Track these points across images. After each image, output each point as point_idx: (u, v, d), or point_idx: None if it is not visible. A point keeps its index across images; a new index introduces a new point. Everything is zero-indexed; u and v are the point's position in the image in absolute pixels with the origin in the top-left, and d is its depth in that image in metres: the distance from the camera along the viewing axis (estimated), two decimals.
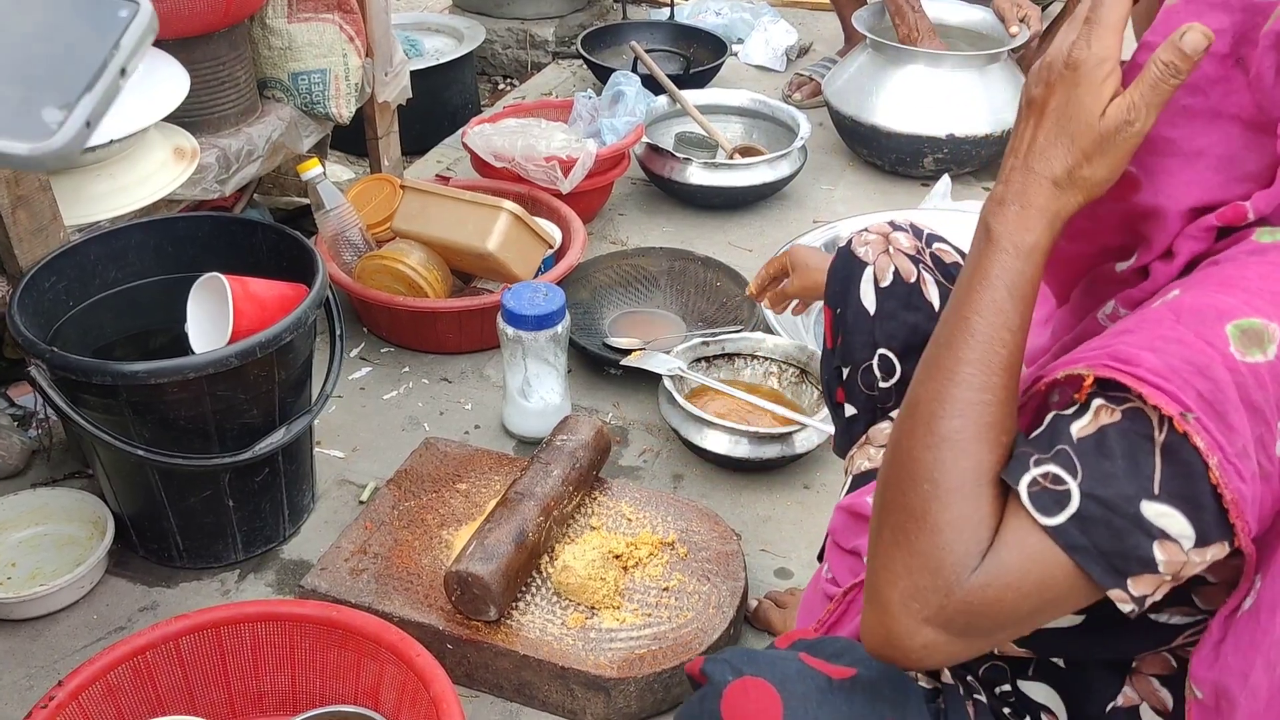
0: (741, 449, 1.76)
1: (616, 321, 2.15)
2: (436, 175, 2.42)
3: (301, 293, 1.58)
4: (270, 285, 1.60)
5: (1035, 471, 0.74)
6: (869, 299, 1.20)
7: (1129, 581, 0.72)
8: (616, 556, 1.53)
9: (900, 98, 2.63)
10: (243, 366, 1.46)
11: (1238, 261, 0.76)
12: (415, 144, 2.79)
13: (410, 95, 2.39)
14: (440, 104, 3.02)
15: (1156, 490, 0.71)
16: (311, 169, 2.05)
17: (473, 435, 1.91)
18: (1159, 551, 0.71)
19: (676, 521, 1.61)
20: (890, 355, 1.20)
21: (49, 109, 0.56)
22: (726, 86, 3.10)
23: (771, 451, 1.76)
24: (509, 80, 3.49)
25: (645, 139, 2.55)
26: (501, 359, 1.86)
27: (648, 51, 2.95)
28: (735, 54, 3.40)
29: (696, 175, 2.52)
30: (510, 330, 1.80)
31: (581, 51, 3.08)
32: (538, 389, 1.85)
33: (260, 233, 1.70)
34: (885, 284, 1.19)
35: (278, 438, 1.56)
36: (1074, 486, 0.72)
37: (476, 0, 3.47)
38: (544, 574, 1.52)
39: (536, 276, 2.08)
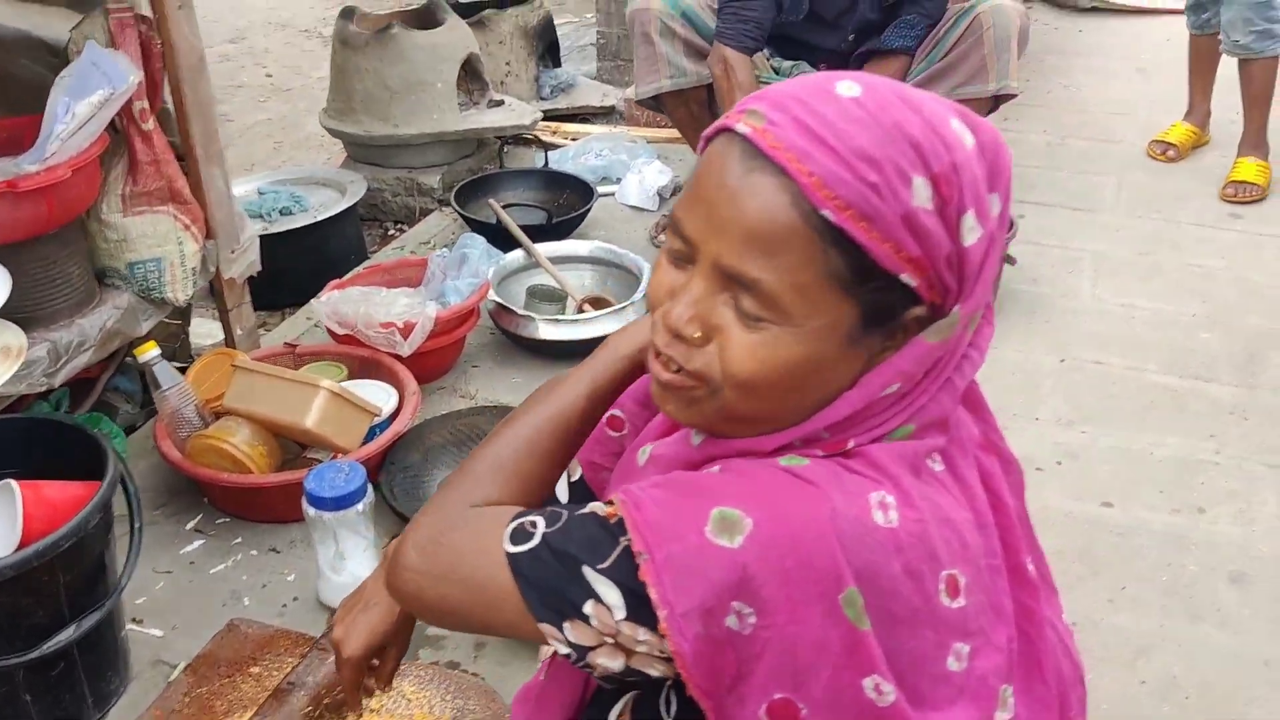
0: None
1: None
2: (284, 343, 2.54)
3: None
4: (64, 488, 1.70)
5: (525, 519, 0.94)
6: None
7: (565, 625, 0.89)
8: None
9: None
10: (21, 575, 1.55)
11: (757, 465, 0.91)
12: (299, 296, 2.91)
13: (259, 268, 2.51)
14: (324, 257, 3.15)
15: (603, 567, 0.88)
16: (147, 352, 2.17)
17: (290, 608, 2.00)
18: (590, 608, 0.88)
19: (455, 700, 1.69)
20: None
21: None
22: (600, 228, 3.25)
23: None
24: (399, 225, 3.63)
25: (494, 296, 2.67)
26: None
27: (514, 206, 3.10)
28: (613, 194, 3.55)
29: (543, 330, 2.64)
30: (312, 511, 1.90)
31: (454, 204, 3.22)
32: (349, 562, 1.94)
33: (61, 433, 1.81)
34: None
35: (67, 635, 1.65)
36: (540, 532, 0.92)
37: (367, 152, 3.62)
38: None
39: (366, 443, 2.18)
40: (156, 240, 2.22)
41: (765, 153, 0.85)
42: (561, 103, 4.05)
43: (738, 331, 0.88)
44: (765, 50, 3.19)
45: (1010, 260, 2.90)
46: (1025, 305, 2.94)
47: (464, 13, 4.00)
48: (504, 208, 3.07)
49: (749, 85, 2.87)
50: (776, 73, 3.17)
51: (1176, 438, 2.43)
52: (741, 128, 0.88)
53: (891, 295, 0.87)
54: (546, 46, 4.11)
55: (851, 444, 0.91)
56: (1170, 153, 3.76)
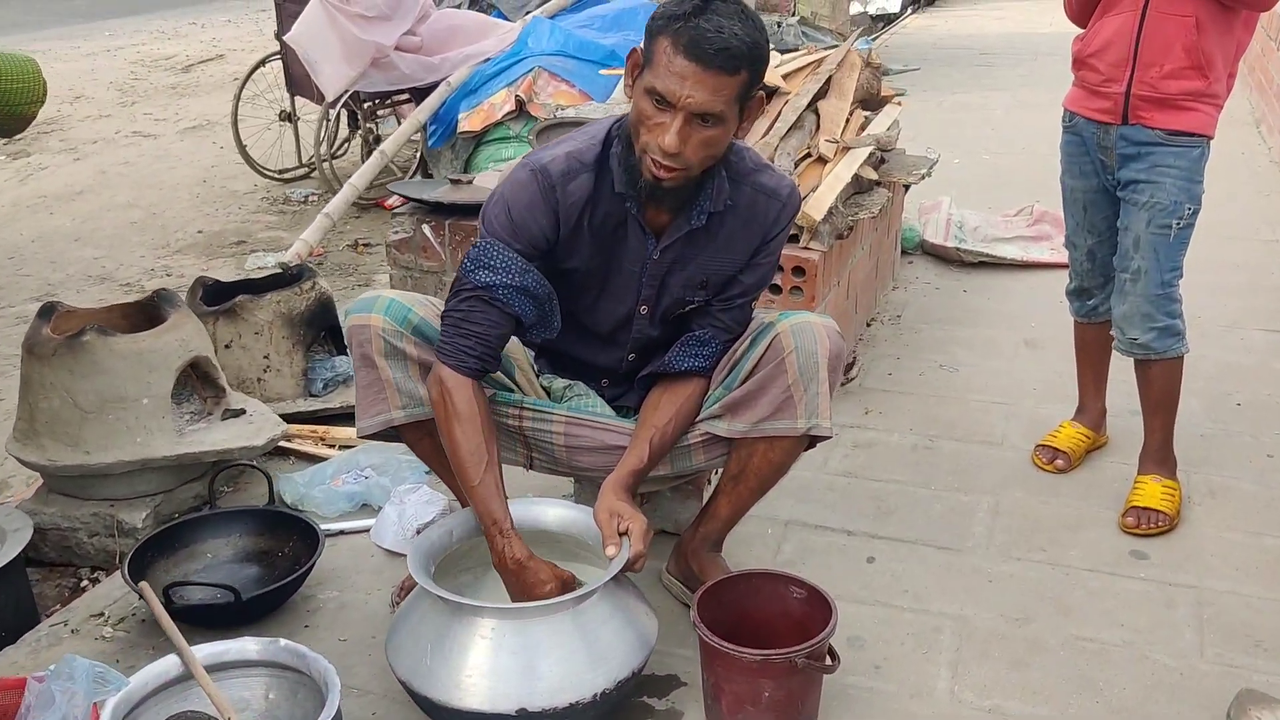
0: None
1: None
2: None
3: None
4: None
5: None
6: None
7: None
8: None
9: (466, 664, 2.02)
10: None
11: None
12: None
13: None
14: None
15: None
16: None
17: None
18: None
19: None
20: None
21: None
22: (331, 587, 2.51)
23: None
24: (96, 573, 2.86)
25: None
26: None
27: (208, 568, 2.34)
28: (369, 530, 2.83)
29: None
30: None
31: (125, 575, 2.45)
32: None
33: None
34: None
35: None
36: None
37: (61, 482, 2.88)
38: None
39: None
40: None
41: None
42: (336, 400, 3.36)
43: None
44: (534, 366, 2.54)
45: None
46: (859, 711, 2.20)
47: (212, 299, 3.35)
48: (192, 577, 2.33)
49: (471, 418, 2.19)
50: (548, 393, 2.50)
51: None
52: None
53: None
54: (321, 332, 3.45)
55: None
56: (1059, 462, 3.10)
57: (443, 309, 2.26)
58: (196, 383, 3.01)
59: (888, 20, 11.97)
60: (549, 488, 2.87)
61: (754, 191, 2.27)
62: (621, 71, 2.80)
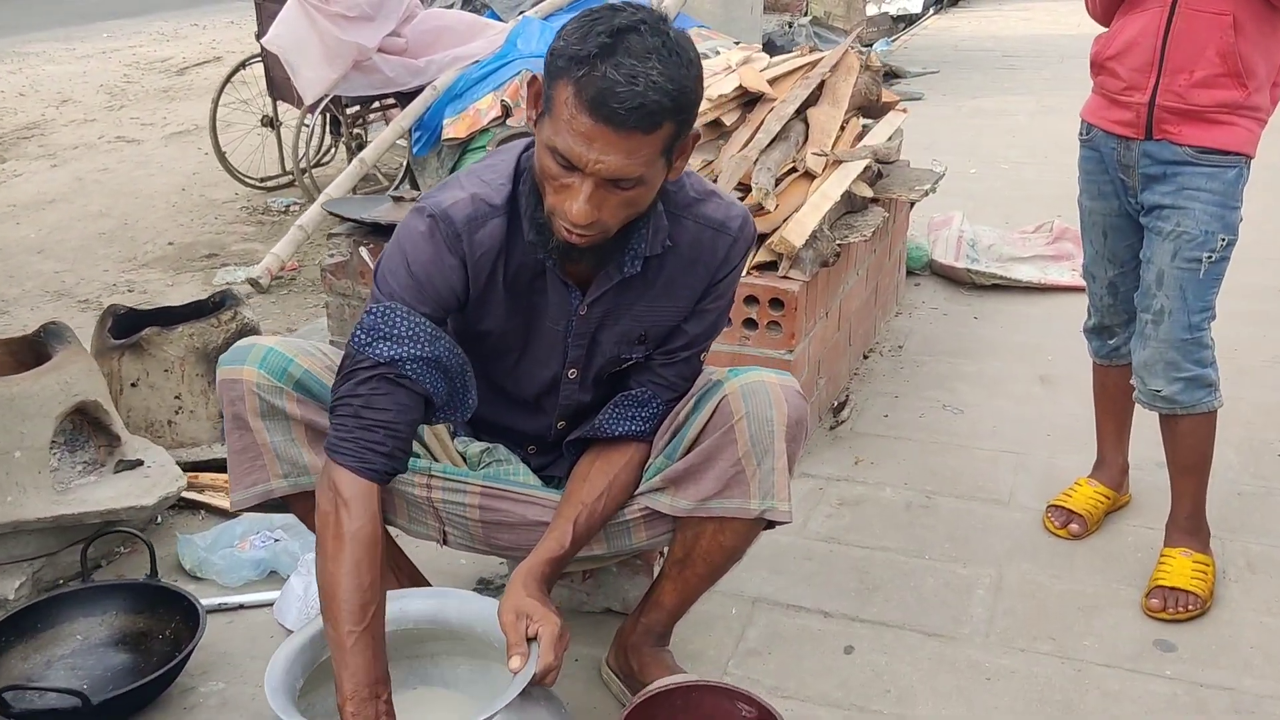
0: None
1: None
2: None
3: None
4: None
5: None
6: None
7: None
8: None
9: None
10: None
11: None
12: None
13: None
14: None
15: None
16: None
17: None
18: None
19: None
20: None
21: None
22: (215, 678, 2.14)
23: None
24: None
25: None
26: None
27: (67, 659, 1.98)
28: (272, 605, 2.46)
29: None
30: None
31: None
32: None
33: None
34: None
35: None
36: None
37: None
38: None
39: None
40: None
41: None
42: None
43: None
44: (456, 430, 2.15)
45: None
46: None
47: (122, 330, 2.99)
48: (55, 664, 1.97)
49: (366, 544, 1.73)
50: (464, 458, 2.12)
51: None
52: None
53: None
54: None
55: None
56: (1073, 527, 2.69)
57: (333, 378, 1.85)
58: (89, 429, 2.65)
59: (909, 21, 11.53)
60: (480, 567, 2.49)
61: (698, 226, 1.88)
62: None
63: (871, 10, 10.34)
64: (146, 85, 9.61)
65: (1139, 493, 2.83)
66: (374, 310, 1.78)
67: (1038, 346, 3.81)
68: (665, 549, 2.11)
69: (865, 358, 3.70)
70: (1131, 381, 2.48)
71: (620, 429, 1.96)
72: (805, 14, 8.63)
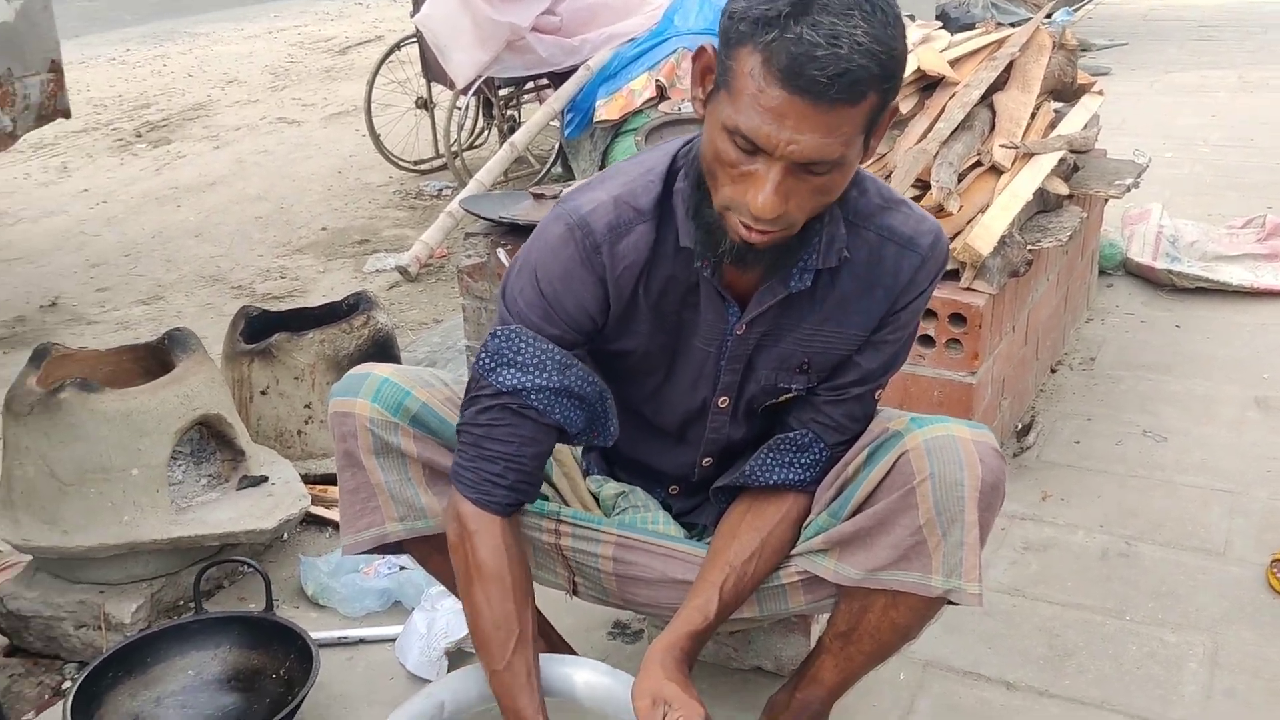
0: None
1: None
2: None
3: None
4: None
5: None
6: None
7: None
8: None
9: None
10: None
11: None
12: None
13: None
14: None
15: None
16: None
17: None
18: None
19: None
20: None
21: None
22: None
23: None
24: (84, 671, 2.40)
25: None
26: None
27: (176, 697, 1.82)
28: (393, 643, 2.27)
29: None
30: None
31: (68, 716, 1.96)
32: None
33: None
34: None
35: None
36: None
37: (45, 563, 2.43)
38: None
39: None
40: None
41: None
42: None
43: None
44: (580, 462, 1.92)
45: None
46: None
47: (254, 335, 2.85)
48: (161, 707, 1.82)
49: (499, 575, 1.62)
50: (597, 500, 1.88)
51: None
52: None
53: None
54: None
55: None
56: None
57: (460, 406, 1.66)
58: (212, 441, 2.52)
59: None
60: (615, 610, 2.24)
61: (880, 239, 1.59)
62: None
63: None
64: (309, 65, 9.70)
65: None
66: (498, 333, 1.59)
67: (1252, 362, 3.37)
68: (826, 614, 1.83)
69: (1053, 372, 3.33)
70: None
71: (776, 477, 1.69)
72: None
